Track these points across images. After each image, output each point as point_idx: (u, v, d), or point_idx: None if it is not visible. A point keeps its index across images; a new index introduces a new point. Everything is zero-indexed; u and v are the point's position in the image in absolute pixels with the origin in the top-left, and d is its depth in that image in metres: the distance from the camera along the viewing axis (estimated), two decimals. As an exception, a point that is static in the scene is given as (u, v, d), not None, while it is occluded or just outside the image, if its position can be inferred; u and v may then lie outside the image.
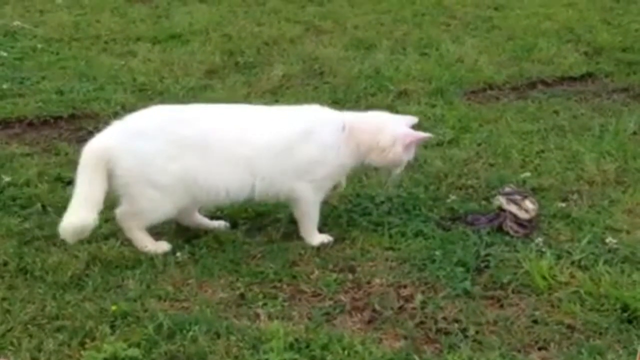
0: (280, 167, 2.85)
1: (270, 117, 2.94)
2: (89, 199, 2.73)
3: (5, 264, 2.77)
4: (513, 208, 3.01)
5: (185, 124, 2.82)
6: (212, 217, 3.07)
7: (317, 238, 2.94)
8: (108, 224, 2.99)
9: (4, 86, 4.27)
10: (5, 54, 4.69)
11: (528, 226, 2.99)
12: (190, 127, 2.81)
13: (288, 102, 4.19)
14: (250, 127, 2.86)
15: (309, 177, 2.89)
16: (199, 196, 2.83)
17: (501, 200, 3.05)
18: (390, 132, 2.95)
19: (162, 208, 2.83)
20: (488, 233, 2.97)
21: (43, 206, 3.11)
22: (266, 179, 2.85)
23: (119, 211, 2.85)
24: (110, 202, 2.88)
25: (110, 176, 2.75)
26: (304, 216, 2.94)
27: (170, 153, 2.76)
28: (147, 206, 2.82)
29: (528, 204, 3.02)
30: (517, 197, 3.05)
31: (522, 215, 2.99)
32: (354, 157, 2.96)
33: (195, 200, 2.86)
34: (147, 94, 4.25)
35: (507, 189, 3.14)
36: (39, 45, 4.87)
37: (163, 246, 2.86)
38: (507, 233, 2.97)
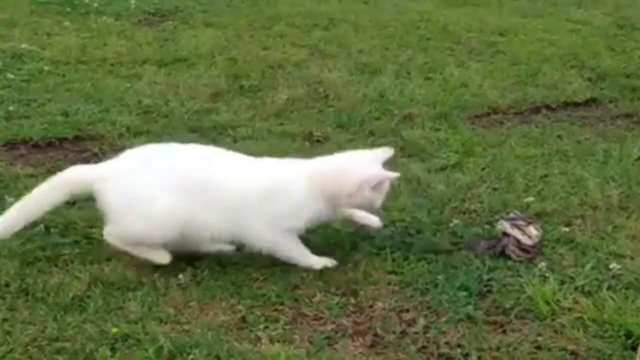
0: (256, 217, 2.83)
1: (249, 167, 2.93)
2: (24, 216, 2.82)
3: (7, 285, 2.77)
4: (517, 233, 3.01)
5: (178, 163, 2.85)
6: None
7: (316, 262, 2.90)
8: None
9: (10, 108, 4.29)
10: (12, 76, 4.72)
11: (531, 251, 2.98)
12: (183, 167, 2.84)
13: (293, 125, 4.22)
14: (233, 176, 2.87)
15: (278, 228, 2.85)
16: (185, 234, 2.81)
17: (504, 225, 3.05)
18: (354, 176, 2.85)
19: (150, 237, 2.82)
20: (491, 258, 2.96)
21: (46, 227, 3.11)
22: (244, 229, 2.85)
23: (106, 231, 2.86)
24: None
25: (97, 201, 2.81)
26: (291, 257, 2.90)
27: (160, 187, 2.78)
28: (136, 233, 2.82)
29: (532, 230, 3.02)
30: (521, 222, 3.05)
31: (526, 240, 2.98)
32: (322, 207, 2.88)
33: (183, 237, 2.83)
34: (152, 117, 4.27)
35: (511, 215, 3.13)
36: (46, 68, 4.90)
37: (163, 256, 2.84)
38: (509, 257, 2.96)
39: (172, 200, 2.78)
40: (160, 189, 2.79)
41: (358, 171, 2.87)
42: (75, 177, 2.92)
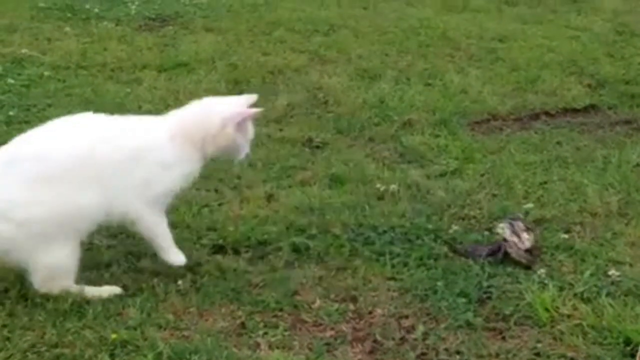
0: (120, 185, 2.67)
1: (107, 133, 2.75)
2: None
3: (6, 290, 2.76)
4: (515, 239, 3.01)
5: (31, 158, 2.63)
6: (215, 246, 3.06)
7: (177, 256, 2.82)
8: (109, 250, 2.99)
9: (11, 113, 4.30)
10: (12, 81, 4.73)
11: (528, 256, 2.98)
12: (37, 159, 2.62)
13: (292, 130, 4.22)
14: (92, 142, 2.69)
15: (148, 193, 2.71)
16: (75, 223, 2.64)
17: (504, 230, 3.05)
18: (217, 116, 2.76)
19: (62, 252, 2.64)
20: (490, 264, 2.96)
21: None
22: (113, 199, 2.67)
23: (35, 284, 2.66)
24: (114, 229, 2.89)
25: None
26: (154, 236, 2.77)
27: (29, 193, 2.57)
28: (50, 260, 2.62)
29: (525, 235, 3.02)
30: (521, 224, 3.05)
31: (521, 245, 2.99)
32: (195, 158, 2.78)
33: (76, 229, 2.65)
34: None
35: (511, 216, 3.14)
36: (46, 73, 4.91)
37: (113, 290, 2.73)
38: (511, 259, 2.96)
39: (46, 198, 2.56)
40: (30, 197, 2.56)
41: (220, 111, 2.79)
42: None
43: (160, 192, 2.75)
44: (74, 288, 2.71)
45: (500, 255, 2.99)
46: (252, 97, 2.88)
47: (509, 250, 2.99)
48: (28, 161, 2.64)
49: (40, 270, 2.66)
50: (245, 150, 2.86)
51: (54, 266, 2.66)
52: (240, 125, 2.79)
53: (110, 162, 2.68)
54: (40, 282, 2.67)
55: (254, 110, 2.85)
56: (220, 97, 2.97)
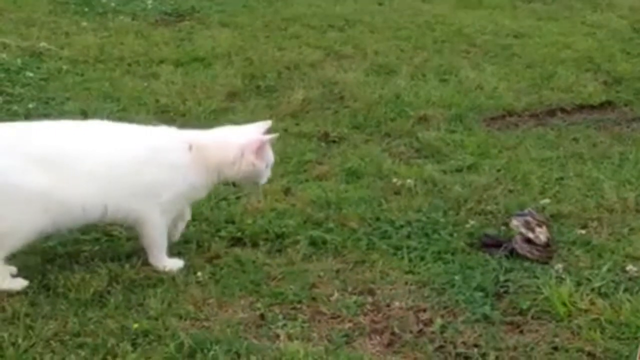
0: (128, 187, 2.77)
1: (120, 135, 2.86)
2: None
3: (29, 280, 2.80)
4: (529, 233, 3.02)
5: (36, 139, 2.74)
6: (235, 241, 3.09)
7: (167, 263, 2.87)
8: (130, 242, 3.03)
9: (30, 106, 4.34)
10: (31, 75, 4.77)
11: (542, 251, 2.99)
12: (41, 141, 2.73)
13: (308, 125, 4.24)
14: (100, 144, 2.79)
15: (156, 199, 2.81)
16: (56, 213, 2.70)
17: (517, 225, 3.06)
18: (235, 143, 2.88)
19: (20, 228, 2.68)
20: (507, 258, 2.97)
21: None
22: (115, 199, 2.77)
23: None
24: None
25: None
26: (150, 240, 2.86)
27: (23, 168, 2.64)
28: (4, 228, 2.66)
29: (538, 230, 3.03)
30: (530, 219, 3.05)
31: (536, 240, 3.00)
32: (204, 176, 2.88)
33: (53, 220, 2.72)
34: (169, 116, 4.30)
35: (524, 211, 3.15)
36: (64, 67, 4.95)
37: (20, 282, 2.73)
38: (522, 256, 2.97)
39: (38, 179, 2.64)
40: (22, 170, 2.64)
41: (239, 138, 2.91)
42: None
43: (169, 196, 2.82)
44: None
45: (503, 250, 2.99)
46: (267, 123, 2.99)
47: (515, 245, 3.00)
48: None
49: None
50: (266, 175, 2.97)
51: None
52: (259, 152, 2.89)
53: (126, 162, 2.77)
54: None
55: (270, 136, 2.94)
56: (237, 126, 3.04)
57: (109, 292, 2.73)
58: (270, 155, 2.96)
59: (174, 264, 2.89)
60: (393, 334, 2.59)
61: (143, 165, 2.79)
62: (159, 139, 2.88)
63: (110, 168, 2.76)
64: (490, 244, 3.04)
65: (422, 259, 3.00)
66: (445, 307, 2.72)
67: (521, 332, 2.62)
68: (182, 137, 2.92)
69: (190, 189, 2.89)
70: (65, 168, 2.70)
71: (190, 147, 2.86)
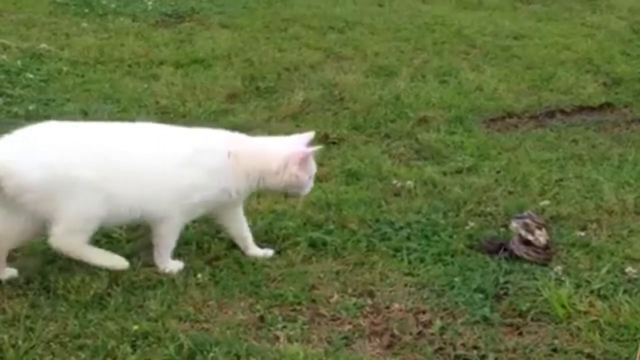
0: (166, 188, 2.80)
1: (167, 137, 2.90)
2: None
3: (29, 282, 2.80)
4: (529, 237, 3.03)
5: (94, 138, 2.79)
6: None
7: (169, 264, 2.89)
8: (130, 244, 3.03)
9: (30, 107, 4.34)
10: (31, 76, 4.77)
11: (542, 253, 3.00)
12: (98, 141, 2.78)
13: (308, 127, 4.24)
14: (148, 145, 2.83)
15: (185, 200, 2.83)
16: (110, 207, 2.73)
17: (516, 227, 3.06)
18: (280, 154, 2.91)
19: (87, 212, 2.70)
20: (506, 260, 2.98)
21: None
22: (152, 198, 2.79)
23: (52, 237, 2.71)
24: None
25: (7, 198, 2.64)
26: (163, 239, 2.86)
27: (82, 163, 2.68)
28: (71, 213, 2.69)
29: (538, 232, 3.03)
30: (529, 221, 3.06)
31: (535, 242, 3.00)
32: (241, 182, 2.90)
33: (108, 213, 2.74)
34: (169, 117, 4.31)
35: (523, 214, 3.15)
36: (65, 68, 4.95)
37: (122, 262, 2.79)
38: (522, 258, 2.97)
39: (95, 174, 2.68)
40: (81, 165, 2.68)
41: (283, 149, 2.93)
42: None
43: (199, 199, 2.84)
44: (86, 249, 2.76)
45: (502, 253, 2.99)
46: (310, 135, 3.02)
47: (512, 246, 3.00)
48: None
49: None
50: (309, 186, 3.00)
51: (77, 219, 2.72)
52: (302, 164, 2.92)
53: (169, 165, 2.81)
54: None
55: (314, 148, 2.98)
56: (281, 137, 3.09)
57: (109, 294, 2.74)
58: (313, 167, 2.99)
59: (175, 265, 2.90)
60: (393, 335, 2.60)
61: (184, 167, 2.82)
62: (202, 142, 2.91)
63: (154, 169, 2.79)
64: (493, 250, 3.04)
65: (422, 260, 3.00)
66: (444, 309, 2.73)
67: (520, 334, 2.62)
68: (225, 141, 2.94)
69: (222, 194, 2.90)
70: (118, 167, 2.74)
71: (229, 154, 2.88)
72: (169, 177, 2.81)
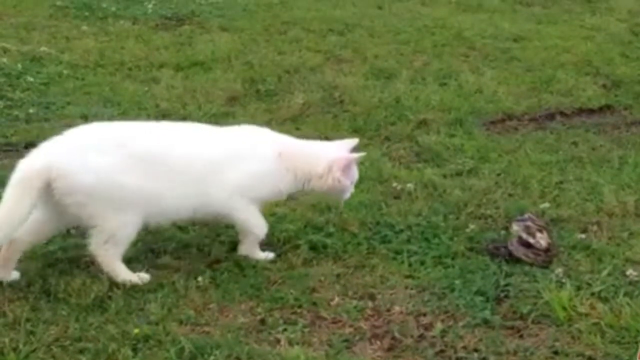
0: (218, 186, 2.88)
1: (215, 136, 3.00)
2: (7, 220, 2.66)
3: (29, 285, 2.81)
4: (530, 239, 3.03)
5: (135, 139, 2.83)
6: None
7: (259, 255, 2.99)
8: (130, 248, 3.02)
9: (31, 111, 4.34)
10: (31, 79, 4.77)
11: (542, 255, 2.99)
12: (141, 142, 2.83)
13: (308, 129, 4.25)
14: (197, 144, 2.92)
15: (243, 191, 2.92)
16: (154, 211, 2.81)
17: (517, 229, 3.06)
18: (325, 158, 3.01)
19: (129, 222, 2.78)
20: (507, 262, 2.98)
21: (67, 229, 3.15)
22: (207, 196, 2.87)
23: (92, 244, 2.80)
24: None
25: (54, 198, 2.70)
26: (248, 230, 2.97)
27: (125, 167, 2.73)
28: (114, 224, 2.76)
29: (539, 235, 3.03)
30: (530, 224, 3.06)
31: (536, 244, 3.00)
32: (289, 183, 3.00)
33: (148, 217, 2.82)
34: (169, 120, 4.30)
35: (524, 216, 3.16)
36: (65, 71, 4.95)
37: (144, 278, 2.83)
38: (521, 259, 2.97)
39: (139, 179, 2.74)
40: (122, 168, 2.73)
41: (329, 153, 3.04)
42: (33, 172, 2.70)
43: (253, 196, 2.96)
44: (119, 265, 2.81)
45: (503, 254, 2.99)
46: (354, 141, 3.13)
47: (510, 247, 3.00)
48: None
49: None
50: (349, 191, 3.09)
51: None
52: (345, 169, 2.99)
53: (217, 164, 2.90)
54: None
55: (358, 155, 3.09)
56: (327, 142, 3.21)
57: (109, 297, 2.74)
58: (355, 173, 3.08)
59: (266, 255, 3.00)
60: (393, 338, 2.60)
61: (237, 166, 2.90)
62: (250, 142, 2.99)
63: (208, 168, 2.86)
64: (497, 254, 3.03)
65: (423, 263, 3.01)
66: (445, 312, 2.73)
67: (521, 336, 2.62)
68: (275, 142, 3.03)
69: (274, 191, 3.00)
70: (164, 169, 2.79)
71: (280, 154, 2.97)
72: (218, 175, 2.87)
